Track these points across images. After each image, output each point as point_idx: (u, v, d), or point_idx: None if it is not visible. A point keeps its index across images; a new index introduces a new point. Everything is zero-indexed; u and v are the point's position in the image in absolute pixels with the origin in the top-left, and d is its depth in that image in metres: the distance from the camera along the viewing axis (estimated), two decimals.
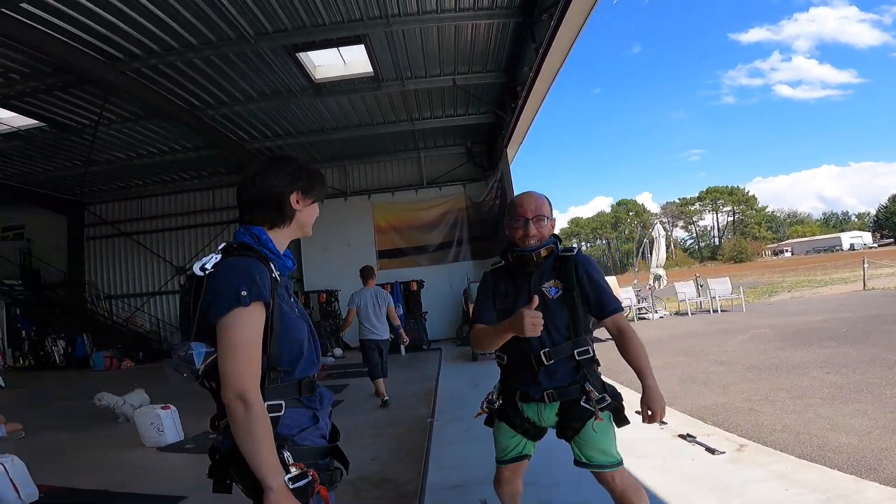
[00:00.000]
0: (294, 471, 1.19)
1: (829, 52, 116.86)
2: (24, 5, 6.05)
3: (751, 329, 9.54)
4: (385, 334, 6.22)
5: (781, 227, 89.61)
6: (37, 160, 11.77)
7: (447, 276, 13.32)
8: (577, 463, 2.00)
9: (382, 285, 10.94)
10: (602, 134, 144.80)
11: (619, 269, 75.61)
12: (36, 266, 14.93)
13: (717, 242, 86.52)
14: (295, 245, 13.67)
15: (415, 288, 12.51)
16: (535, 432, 2.06)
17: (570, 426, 1.96)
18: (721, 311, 13.69)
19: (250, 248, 1.31)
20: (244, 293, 1.19)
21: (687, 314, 14.00)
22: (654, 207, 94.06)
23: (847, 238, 71.15)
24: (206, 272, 1.23)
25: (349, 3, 7.15)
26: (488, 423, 2.17)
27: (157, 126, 10.60)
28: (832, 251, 63.76)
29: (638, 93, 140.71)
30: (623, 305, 12.93)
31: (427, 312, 12.37)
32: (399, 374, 8.22)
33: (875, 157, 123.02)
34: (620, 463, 1.97)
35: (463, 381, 7.18)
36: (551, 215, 2.06)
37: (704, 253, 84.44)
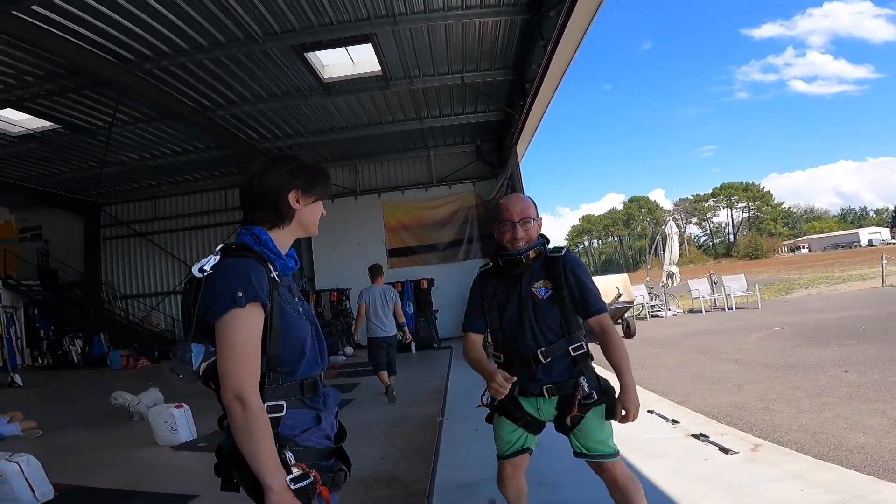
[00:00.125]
0: (296, 471, 1.18)
1: (845, 47, 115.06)
2: (34, 7, 6.13)
3: (767, 327, 9.41)
4: (393, 331, 6.32)
5: (798, 223, 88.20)
6: (53, 162, 11.96)
7: (457, 274, 13.29)
8: (577, 454, 2.06)
9: (393, 284, 10.98)
10: (613, 131, 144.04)
11: (632, 266, 75.00)
12: (53, 266, 15.16)
13: (731, 239, 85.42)
14: (306, 244, 13.79)
15: (425, 286, 12.51)
16: (536, 425, 2.11)
17: (577, 422, 2.00)
18: (736, 308, 13.52)
19: (249, 248, 1.30)
20: (240, 294, 1.18)
21: (701, 312, 13.85)
22: (666, 204, 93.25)
23: (865, 234, 69.95)
24: (205, 274, 1.23)
25: (356, 2, 7.15)
26: (489, 420, 2.22)
27: (169, 127, 10.72)
28: (850, 247, 62.72)
29: (649, 89, 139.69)
30: (635, 303, 12.85)
31: (438, 311, 12.37)
32: (409, 372, 8.22)
33: (893, 152, 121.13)
34: (618, 453, 2.04)
35: (473, 379, 7.07)
36: (537, 216, 2.11)
37: (719, 250, 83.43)
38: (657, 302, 14.88)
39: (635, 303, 12.26)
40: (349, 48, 8.37)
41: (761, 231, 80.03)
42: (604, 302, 2.09)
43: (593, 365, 2.10)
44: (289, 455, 1.20)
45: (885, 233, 70.24)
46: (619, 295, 9.46)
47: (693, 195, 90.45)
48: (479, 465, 3.42)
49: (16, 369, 11.79)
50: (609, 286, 9.84)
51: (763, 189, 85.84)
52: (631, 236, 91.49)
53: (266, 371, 1.23)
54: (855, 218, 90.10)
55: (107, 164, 11.29)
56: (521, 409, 2.09)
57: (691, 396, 5.22)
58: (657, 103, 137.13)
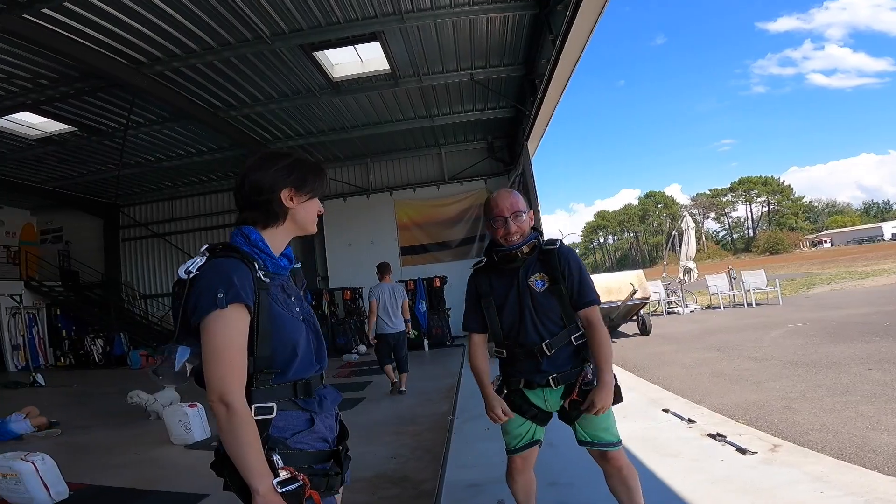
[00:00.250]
0: (283, 474, 1.16)
1: (864, 39, 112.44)
2: (45, 10, 6.23)
3: (788, 323, 9.18)
4: (400, 327, 6.44)
5: (820, 217, 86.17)
6: (71, 164, 12.20)
7: (470, 271, 13.23)
8: (580, 442, 2.10)
9: (406, 282, 10.95)
10: (628, 126, 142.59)
11: (648, 262, 74.03)
12: (74, 267, 15.50)
13: (751, 234, 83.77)
14: (319, 243, 13.87)
15: (438, 284, 12.52)
16: (543, 416, 2.13)
17: (575, 407, 2.04)
18: (756, 304, 13.23)
19: (236, 248, 1.27)
20: (220, 295, 1.16)
21: (719, 308, 13.59)
22: (683, 199, 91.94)
23: (889, 228, 67.97)
24: (191, 275, 1.20)
25: (363, 1, 7.15)
26: None
27: (183, 128, 10.86)
28: (873, 241, 61.07)
29: (663, 84, 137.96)
30: (651, 299, 12.57)
31: (451, 308, 12.33)
32: (422, 370, 8.21)
33: None
34: (621, 442, 2.08)
35: None
36: (528, 209, 2.12)
37: (738, 245, 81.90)
38: (674, 298, 14.63)
39: (651, 299, 12.07)
40: (357, 47, 8.37)
41: (782, 225, 78.38)
42: (597, 294, 2.10)
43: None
44: (276, 458, 1.18)
45: None
46: (635, 291, 9.31)
47: (711, 190, 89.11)
48: (488, 465, 3.38)
49: (38, 369, 12.09)
50: (624, 282, 9.69)
51: (783, 183, 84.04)
52: (647, 232, 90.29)
53: (253, 372, 1.21)
54: (878, 211, 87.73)
55: (124, 165, 11.50)
56: (528, 402, 2.11)
57: (708, 395, 5.09)
58: (672, 98, 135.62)
